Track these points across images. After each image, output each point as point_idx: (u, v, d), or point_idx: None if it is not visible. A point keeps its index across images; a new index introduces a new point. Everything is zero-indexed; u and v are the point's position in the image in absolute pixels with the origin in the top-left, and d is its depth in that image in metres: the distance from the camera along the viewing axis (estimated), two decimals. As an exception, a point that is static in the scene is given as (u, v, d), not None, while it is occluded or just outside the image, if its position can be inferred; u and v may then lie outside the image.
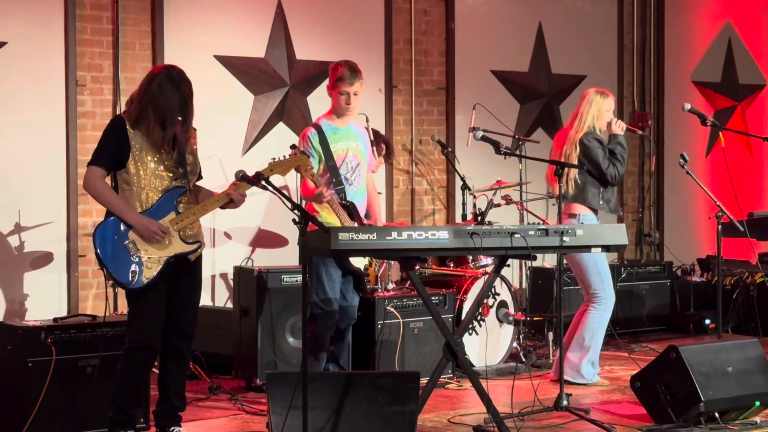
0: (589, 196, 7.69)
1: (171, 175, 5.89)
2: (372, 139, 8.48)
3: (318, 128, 6.99)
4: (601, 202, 7.68)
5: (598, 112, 7.71)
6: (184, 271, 5.95)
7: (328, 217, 6.80)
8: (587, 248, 6.37)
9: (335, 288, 6.86)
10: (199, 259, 6.03)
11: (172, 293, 5.93)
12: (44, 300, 8.19)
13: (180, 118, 5.80)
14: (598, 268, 7.69)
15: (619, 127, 7.74)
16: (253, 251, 9.06)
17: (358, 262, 6.93)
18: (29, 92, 8.23)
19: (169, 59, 8.67)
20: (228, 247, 9.03)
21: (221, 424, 6.77)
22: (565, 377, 7.63)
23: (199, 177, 6.14)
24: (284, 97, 9.37)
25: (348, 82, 6.97)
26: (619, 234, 6.33)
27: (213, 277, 8.98)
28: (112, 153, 5.84)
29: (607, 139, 7.74)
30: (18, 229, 8.10)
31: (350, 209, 6.84)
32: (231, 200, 5.93)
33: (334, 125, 7.05)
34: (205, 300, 8.78)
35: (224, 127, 8.98)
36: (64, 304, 8.29)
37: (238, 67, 9.15)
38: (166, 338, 5.98)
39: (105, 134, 5.94)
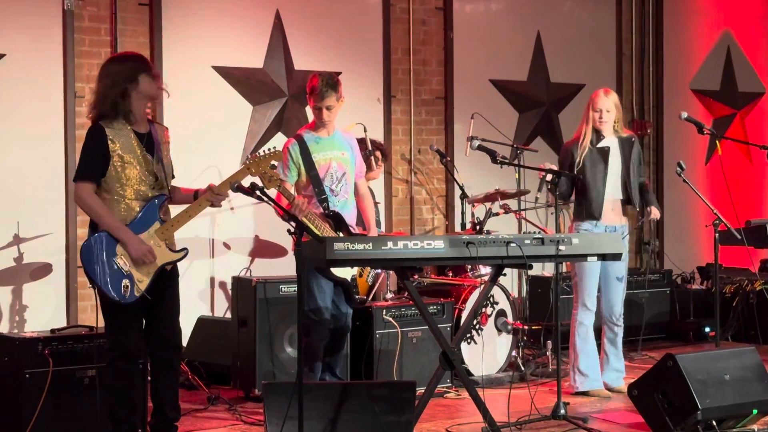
0: (575, 204, 7.77)
1: (150, 180, 5.89)
2: (370, 148, 8.54)
3: (299, 139, 6.92)
4: (579, 208, 7.73)
5: (588, 114, 7.76)
6: (161, 282, 5.93)
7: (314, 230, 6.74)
8: (583, 257, 6.37)
9: (326, 298, 6.85)
10: (174, 268, 6.03)
11: (151, 306, 5.91)
12: (43, 311, 8.20)
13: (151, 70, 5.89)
14: (579, 270, 7.71)
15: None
16: (252, 261, 9.06)
17: (345, 273, 6.92)
18: (28, 104, 8.24)
19: (167, 70, 8.70)
20: (227, 257, 9.03)
21: (220, 434, 6.80)
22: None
23: (172, 176, 6.16)
24: (283, 107, 9.38)
25: (319, 96, 6.83)
26: (614, 243, 6.34)
27: (212, 287, 8.99)
28: (96, 163, 5.80)
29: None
30: (17, 240, 8.10)
31: (335, 219, 6.81)
32: (211, 204, 5.96)
33: (317, 135, 6.98)
34: (204, 310, 8.83)
35: (223, 138, 9.00)
36: (63, 315, 8.30)
37: (236, 77, 9.16)
38: (153, 352, 5.99)
39: (86, 145, 5.88)
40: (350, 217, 7.01)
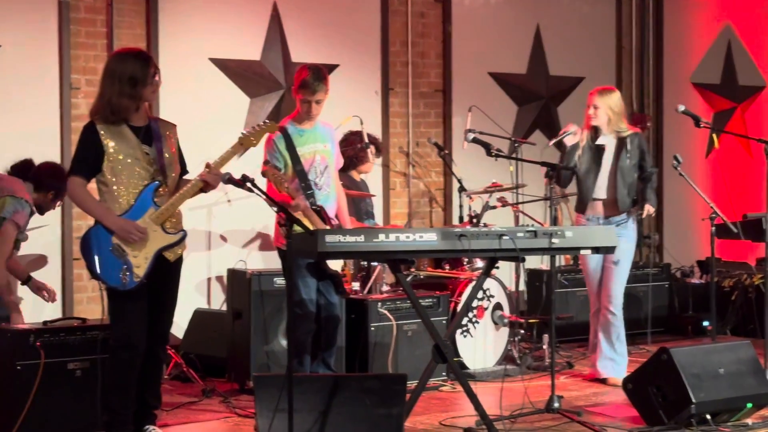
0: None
1: (148, 172, 5.90)
2: (366, 141, 8.52)
3: (284, 132, 6.85)
4: (577, 196, 7.87)
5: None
6: (163, 272, 5.96)
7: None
8: (576, 250, 6.36)
9: (310, 291, 6.81)
10: (178, 261, 6.05)
11: (151, 296, 5.94)
12: (39, 303, 8.15)
13: (150, 77, 5.88)
14: (583, 266, 7.97)
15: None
16: (249, 254, 9.04)
17: (335, 265, 6.89)
18: (23, 95, 8.23)
19: (164, 62, 8.67)
20: (224, 249, 9.02)
21: (212, 426, 6.78)
22: None
23: (185, 171, 6.15)
24: (280, 99, 9.35)
25: (310, 90, 6.79)
26: (608, 236, 6.32)
27: (209, 279, 8.98)
28: (88, 159, 5.88)
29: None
30: (12, 232, 8.09)
31: (320, 214, 6.77)
32: (207, 183, 5.95)
33: (301, 127, 6.93)
34: (201, 303, 8.82)
35: (220, 130, 8.94)
36: (59, 308, 8.29)
37: (233, 70, 9.14)
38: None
39: (79, 142, 5.99)
40: (332, 210, 6.99)
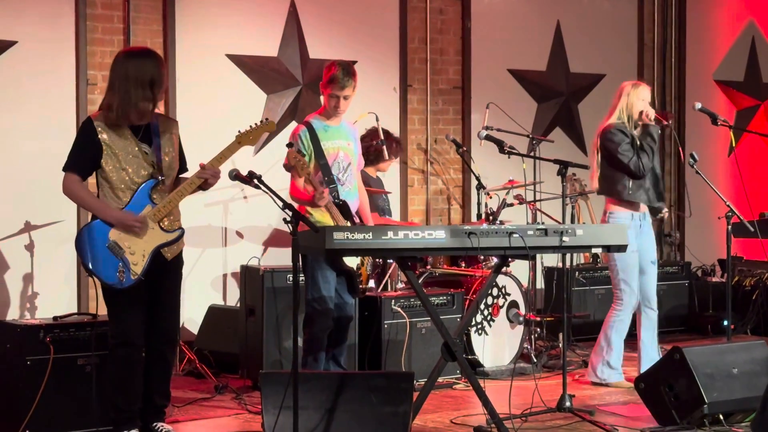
0: (617, 189, 7.62)
1: (146, 170, 5.88)
2: (382, 138, 8.50)
3: (308, 126, 6.88)
4: (629, 192, 7.62)
5: (627, 102, 7.65)
6: (161, 270, 5.95)
7: (321, 217, 6.73)
8: (587, 248, 6.31)
9: (330, 288, 6.80)
10: (177, 259, 6.03)
11: (150, 295, 5.93)
12: (54, 299, 8.19)
13: (165, 77, 5.92)
14: (622, 266, 7.63)
15: (648, 117, 7.63)
16: (265, 250, 9.04)
17: (350, 262, 6.86)
18: (40, 91, 8.24)
19: (180, 58, 8.70)
20: (240, 246, 9.00)
21: (223, 423, 6.77)
22: (587, 377, 7.81)
23: (184, 170, 6.14)
24: (297, 96, 9.34)
25: (339, 85, 6.80)
26: (619, 234, 6.27)
27: (225, 276, 8.97)
28: (83, 156, 5.87)
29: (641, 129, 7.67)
30: (28, 227, 8.11)
31: (343, 208, 6.77)
32: (205, 181, 5.94)
33: (326, 123, 6.94)
34: (216, 299, 8.82)
35: (236, 127, 8.84)
36: (74, 303, 8.29)
37: (250, 66, 9.13)
38: (148, 342, 6.00)
39: (76, 139, 5.98)
40: (355, 207, 6.97)
